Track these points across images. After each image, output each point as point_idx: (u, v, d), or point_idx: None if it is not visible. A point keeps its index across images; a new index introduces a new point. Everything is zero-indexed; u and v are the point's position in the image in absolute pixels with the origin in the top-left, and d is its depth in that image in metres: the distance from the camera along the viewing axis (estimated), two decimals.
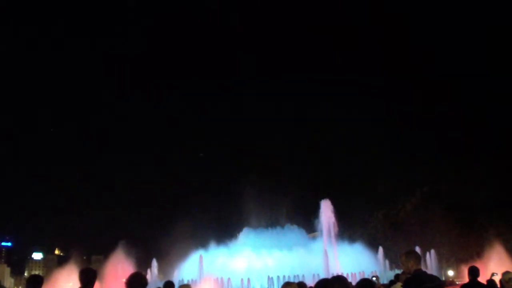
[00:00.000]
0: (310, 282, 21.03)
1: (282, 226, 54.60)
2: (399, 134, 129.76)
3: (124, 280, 6.70)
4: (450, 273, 61.58)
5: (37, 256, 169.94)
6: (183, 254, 50.26)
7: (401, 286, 9.83)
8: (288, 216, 57.18)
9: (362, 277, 24.38)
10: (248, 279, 40.50)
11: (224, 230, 52.73)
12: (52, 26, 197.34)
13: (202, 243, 49.97)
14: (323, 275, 31.19)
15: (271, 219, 55.83)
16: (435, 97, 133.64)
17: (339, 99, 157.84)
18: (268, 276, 40.11)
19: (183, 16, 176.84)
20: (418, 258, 6.65)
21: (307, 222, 57.06)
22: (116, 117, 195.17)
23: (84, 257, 67.87)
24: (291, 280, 30.68)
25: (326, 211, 47.73)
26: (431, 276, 6.59)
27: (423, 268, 6.82)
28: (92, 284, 7.11)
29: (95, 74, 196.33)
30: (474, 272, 10.01)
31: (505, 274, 10.72)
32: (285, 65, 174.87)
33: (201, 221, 53.64)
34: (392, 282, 13.61)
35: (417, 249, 38.45)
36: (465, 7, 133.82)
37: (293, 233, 54.20)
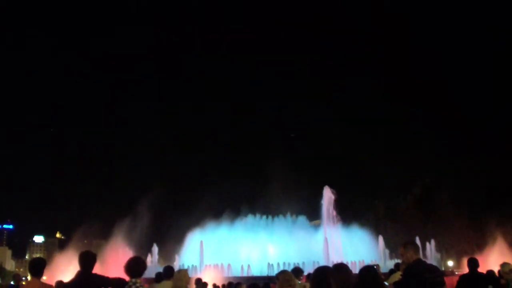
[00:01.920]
0: (310, 269, 21.06)
1: (284, 215, 54.56)
2: (402, 126, 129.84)
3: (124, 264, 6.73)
4: (450, 263, 61.75)
5: (39, 239, 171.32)
6: (184, 240, 50.34)
7: (401, 275, 9.85)
8: (289, 205, 57.09)
9: (362, 265, 24.42)
10: (249, 266, 40.68)
11: (226, 217, 52.59)
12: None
13: (204, 229, 49.94)
14: (323, 263, 31.26)
15: (274, 207, 55.77)
16: (438, 90, 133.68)
17: (339, 98, 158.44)
18: (268, 263, 40.24)
19: (183, 17, 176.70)
20: (417, 248, 6.60)
21: (309, 210, 57.11)
22: (120, 105, 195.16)
23: (85, 241, 67.95)
24: (292, 267, 30.77)
25: (328, 198, 47.80)
26: (431, 266, 6.53)
27: (423, 258, 6.78)
28: (92, 267, 7.13)
29: (96, 73, 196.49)
30: (473, 263, 10.10)
31: (503, 265, 10.75)
32: (286, 65, 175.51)
33: (203, 208, 53.53)
34: (392, 271, 13.61)
35: (417, 239, 38.51)
36: (466, 7, 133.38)
37: (295, 221, 54.10)
